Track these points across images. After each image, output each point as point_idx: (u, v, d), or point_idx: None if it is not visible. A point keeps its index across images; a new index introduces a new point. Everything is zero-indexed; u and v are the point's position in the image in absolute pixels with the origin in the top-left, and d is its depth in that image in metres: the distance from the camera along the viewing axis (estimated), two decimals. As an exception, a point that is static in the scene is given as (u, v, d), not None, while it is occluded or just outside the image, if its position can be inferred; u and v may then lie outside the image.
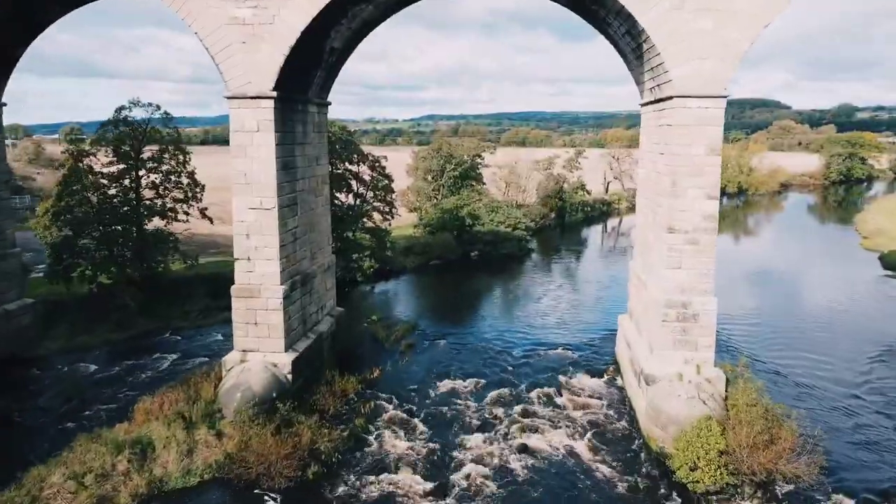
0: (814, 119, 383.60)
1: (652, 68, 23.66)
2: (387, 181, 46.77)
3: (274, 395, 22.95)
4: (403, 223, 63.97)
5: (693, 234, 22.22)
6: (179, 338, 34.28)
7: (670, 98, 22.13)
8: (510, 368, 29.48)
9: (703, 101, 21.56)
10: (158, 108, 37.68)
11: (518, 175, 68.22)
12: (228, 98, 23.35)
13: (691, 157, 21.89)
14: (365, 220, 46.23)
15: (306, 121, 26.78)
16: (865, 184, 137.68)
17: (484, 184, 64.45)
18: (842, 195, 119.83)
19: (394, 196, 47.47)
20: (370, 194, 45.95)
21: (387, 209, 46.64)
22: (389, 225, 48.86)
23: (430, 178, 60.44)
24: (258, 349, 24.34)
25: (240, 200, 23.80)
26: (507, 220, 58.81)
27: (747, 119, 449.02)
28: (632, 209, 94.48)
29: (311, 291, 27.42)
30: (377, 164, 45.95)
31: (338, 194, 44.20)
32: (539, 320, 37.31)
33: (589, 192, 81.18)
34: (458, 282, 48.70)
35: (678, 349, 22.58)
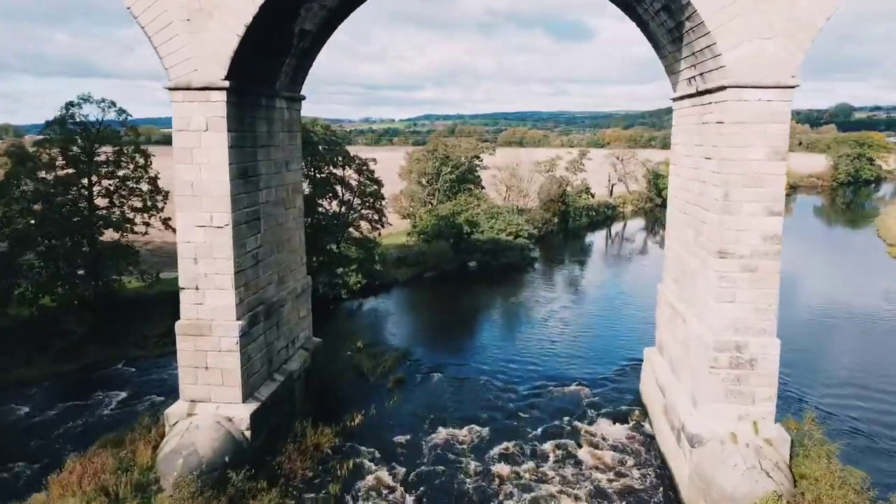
0: (811, 119, 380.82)
1: (694, 53, 19.17)
2: (375, 186, 42.27)
3: (227, 458, 18.40)
4: (396, 230, 59.45)
5: (750, 260, 17.76)
6: (133, 370, 29.73)
7: (721, 89, 17.66)
8: (516, 411, 24.98)
9: (764, 91, 17.11)
10: (113, 104, 33.13)
11: (519, 178, 63.77)
12: (170, 90, 18.80)
13: (748, 162, 17.44)
14: (351, 229, 41.72)
15: (272, 118, 22.23)
16: (873, 185, 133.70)
17: (483, 187, 59.97)
18: (850, 197, 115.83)
19: (384, 203, 42.96)
20: (357, 201, 41.41)
21: (376, 218, 42.12)
22: (379, 234, 44.35)
23: (424, 181, 55.95)
24: (209, 399, 19.80)
25: (185, 217, 19.25)
26: (508, 228, 54.35)
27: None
28: (637, 213, 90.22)
29: (279, 323, 22.87)
30: (364, 167, 41.43)
31: (321, 201, 39.69)
32: (546, 347, 32.81)
33: (593, 196, 76.75)
34: (455, 297, 44.18)
35: (730, 402, 18.12)
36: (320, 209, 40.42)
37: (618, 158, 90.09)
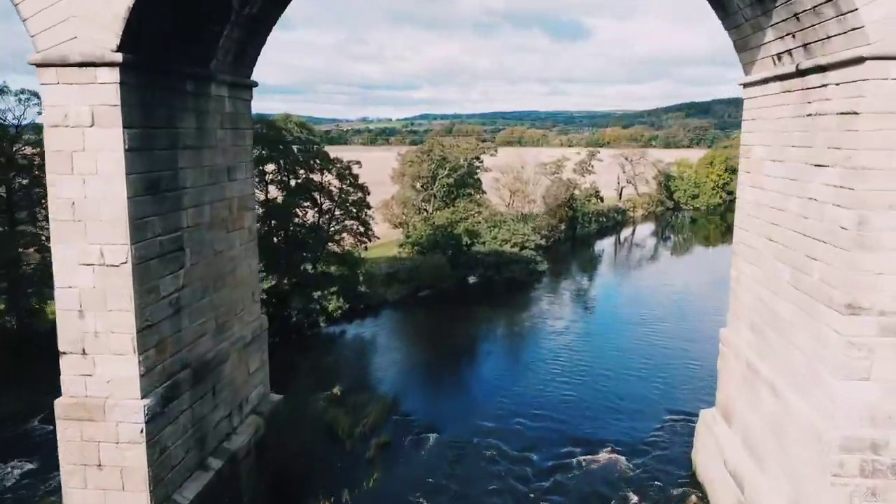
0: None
1: (796, 15, 13.30)
2: (360, 194, 36.44)
3: None
4: (387, 239, 53.59)
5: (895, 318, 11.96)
6: (50, 428, 23.73)
7: (853, 62, 11.83)
8: (534, 494, 19.11)
9: (926, 66, 11.29)
10: (37, 96, 27.27)
11: (524, 182, 57.94)
12: (37, 66, 12.94)
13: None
14: (332, 244, 35.90)
15: (204, 110, 16.31)
16: None
17: (483, 192, 54.12)
18: None
19: (370, 213, 37.09)
20: (339, 211, 35.57)
21: (360, 230, 36.28)
22: (365, 248, 38.55)
23: (418, 185, 50.08)
24: (105, 510, 13.89)
25: (64, 251, 13.39)
26: (513, 238, 48.52)
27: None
28: (648, 217, 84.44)
29: (217, 388, 16.97)
30: (347, 171, 35.60)
31: (296, 211, 33.86)
32: (567, 393, 26.96)
33: (602, 200, 70.93)
34: (453, 321, 38.35)
35: (862, 526, 12.26)
36: (296, 220, 34.64)
37: (626, 159, 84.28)
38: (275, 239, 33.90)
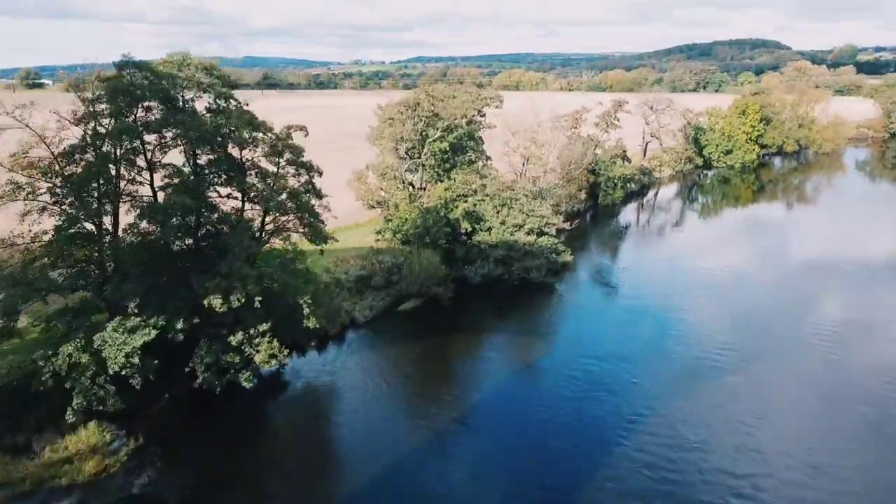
0: (816, 60, 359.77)
1: None
2: (307, 174, 23.47)
3: None
4: (362, 218, 40.77)
5: None
6: None
7: None
8: None
9: None
10: None
11: (540, 145, 44.61)
12: None
13: None
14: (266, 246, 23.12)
15: None
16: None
17: (488, 158, 40.91)
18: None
19: (322, 203, 24.06)
20: (277, 202, 22.55)
21: (306, 224, 23.35)
22: (321, 253, 25.87)
23: (402, 151, 36.82)
24: None
25: None
26: (528, 222, 35.73)
27: (748, 60, 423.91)
28: (676, 177, 71.30)
29: None
30: (284, 143, 22.53)
31: (208, 206, 21.00)
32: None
33: (629, 161, 57.63)
34: (448, 359, 26.11)
35: None
36: (203, 219, 21.80)
37: (651, 108, 70.37)
38: (176, 246, 21.28)
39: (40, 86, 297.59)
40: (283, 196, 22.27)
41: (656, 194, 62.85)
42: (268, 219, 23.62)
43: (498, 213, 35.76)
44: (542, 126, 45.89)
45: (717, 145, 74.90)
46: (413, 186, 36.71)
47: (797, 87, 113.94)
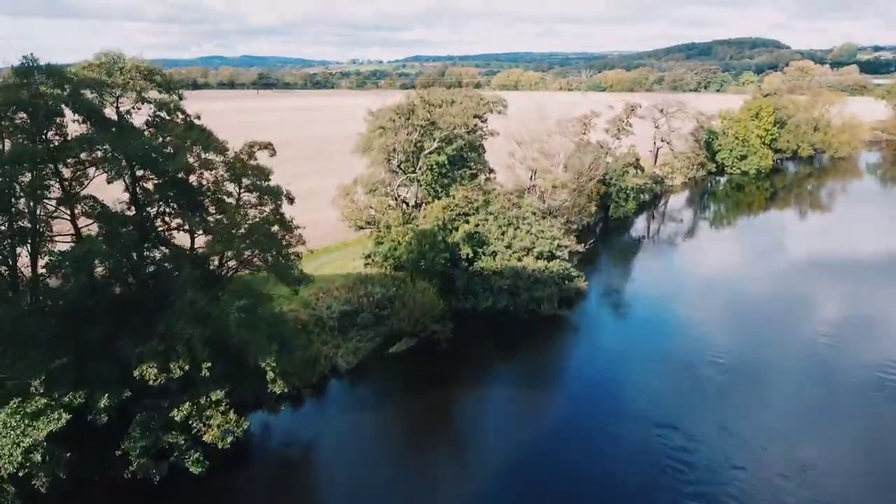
0: (815, 59, 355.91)
1: None
2: (273, 202, 19.00)
3: None
4: (348, 238, 36.35)
5: None
6: None
7: None
8: None
9: None
10: None
11: (551, 155, 40.09)
12: None
13: None
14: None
15: None
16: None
17: (492, 171, 36.42)
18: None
19: (290, 241, 19.56)
20: (229, 242, 18.04)
21: (272, 266, 18.85)
22: (295, 293, 21.43)
23: (395, 163, 32.29)
24: None
25: None
26: (538, 244, 31.29)
27: (747, 59, 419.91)
28: (688, 185, 66.82)
29: None
30: (243, 164, 18.07)
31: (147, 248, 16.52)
32: None
33: (643, 170, 53.13)
34: (446, 419, 21.81)
35: None
36: (148, 256, 17.32)
37: (661, 111, 65.83)
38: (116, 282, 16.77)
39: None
40: (242, 230, 17.76)
41: (669, 204, 58.38)
42: (228, 253, 19.16)
43: (503, 234, 31.31)
44: (550, 135, 41.39)
45: (731, 150, 70.37)
46: (407, 204, 32.26)
47: (811, 89, 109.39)
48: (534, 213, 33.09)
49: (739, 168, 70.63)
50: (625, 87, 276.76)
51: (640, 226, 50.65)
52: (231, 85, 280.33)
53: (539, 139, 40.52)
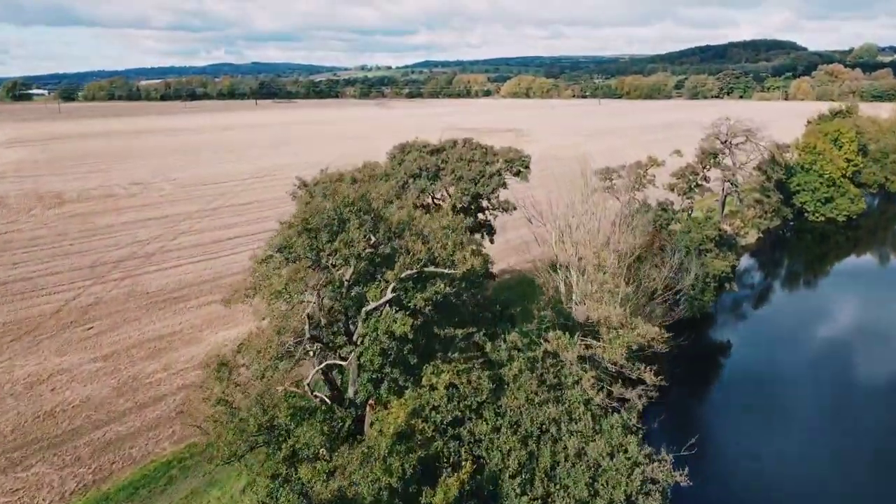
0: (834, 60, 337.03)
1: None
2: None
3: None
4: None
5: None
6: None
7: None
8: None
9: None
10: None
11: (604, 255, 23.57)
12: None
13: None
14: None
15: None
16: None
17: (512, 327, 19.79)
18: None
19: None
20: None
21: None
22: None
23: (309, 329, 15.74)
24: None
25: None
26: (599, 481, 14.76)
27: (764, 62, 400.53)
28: (769, 243, 49.39)
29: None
30: None
31: None
32: None
33: (721, 236, 36.04)
34: None
35: None
36: None
37: (724, 143, 48.75)
38: None
39: (28, 97, 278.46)
40: None
41: (751, 277, 41.40)
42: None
43: (529, 459, 14.72)
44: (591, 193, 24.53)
45: (814, 191, 53.07)
46: (333, 409, 15.63)
47: (842, 94, 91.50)
48: (585, 403, 16.41)
49: (823, 214, 53.37)
50: (642, 94, 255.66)
51: (724, 327, 33.84)
52: (231, 94, 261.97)
53: (591, 229, 23.81)
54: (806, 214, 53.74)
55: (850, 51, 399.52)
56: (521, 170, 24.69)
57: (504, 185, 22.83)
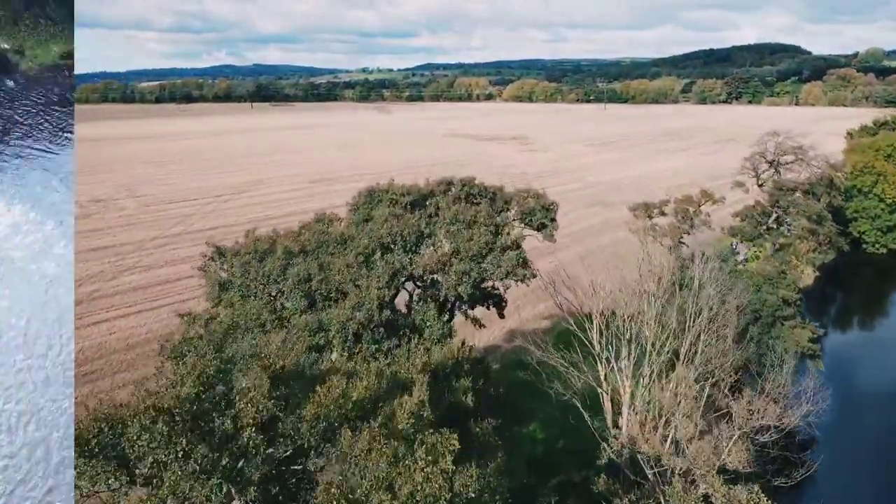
0: (839, 64, 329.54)
1: None
2: None
3: None
4: None
5: None
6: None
7: None
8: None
9: None
10: None
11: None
12: None
13: None
14: None
15: None
16: None
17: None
18: None
19: None
20: None
21: None
22: None
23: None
24: None
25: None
26: None
27: (768, 66, 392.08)
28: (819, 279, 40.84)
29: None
30: None
31: None
32: None
33: (805, 325, 27.64)
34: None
35: None
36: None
37: (770, 163, 40.63)
38: None
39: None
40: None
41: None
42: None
43: None
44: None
45: (875, 218, 44.78)
46: None
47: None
48: None
49: (885, 245, 45.12)
50: (649, 98, 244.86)
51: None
52: (227, 97, 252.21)
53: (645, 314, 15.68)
54: (865, 246, 45.46)
55: (855, 55, 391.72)
56: (547, 223, 16.69)
57: (524, 263, 14.79)
